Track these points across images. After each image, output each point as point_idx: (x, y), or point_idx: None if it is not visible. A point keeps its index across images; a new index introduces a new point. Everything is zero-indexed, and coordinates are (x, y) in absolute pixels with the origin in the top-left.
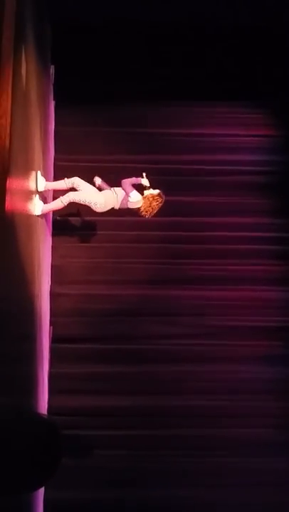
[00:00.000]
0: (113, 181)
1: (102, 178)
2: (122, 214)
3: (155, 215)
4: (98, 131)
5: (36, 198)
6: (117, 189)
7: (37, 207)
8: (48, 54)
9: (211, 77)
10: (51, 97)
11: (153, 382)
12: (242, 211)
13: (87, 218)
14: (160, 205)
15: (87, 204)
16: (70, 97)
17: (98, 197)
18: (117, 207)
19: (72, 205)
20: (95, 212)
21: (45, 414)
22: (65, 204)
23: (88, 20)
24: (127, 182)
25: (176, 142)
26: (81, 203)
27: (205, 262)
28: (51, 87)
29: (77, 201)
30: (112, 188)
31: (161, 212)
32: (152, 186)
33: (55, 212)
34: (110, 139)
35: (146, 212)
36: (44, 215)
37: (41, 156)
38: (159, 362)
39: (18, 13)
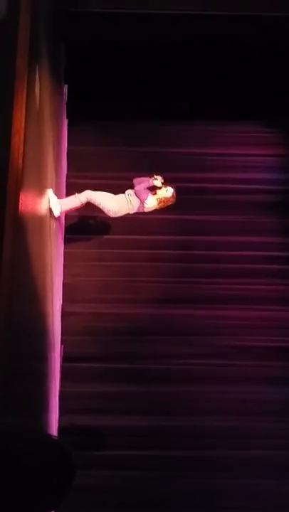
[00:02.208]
0: None
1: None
2: (135, 233)
3: (168, 234)
4: (110, 149)
5: (54, 199)
6: (132, 195)
7: (55, 208)
8: (62, 73)
9: (222, 97)
10: (64, 115)
11: (164, 403)
12: (254, 230)
13: (100, 237)
14: (173, 202)
15: (101, 208)
16: (82, 116)
17: (112, 204)
18: (131, 212)
19: (84, 223)
20: (106, 230)
21: (56, 436)
22: (83, 202)
23: (101, 39)
24: (141, 188)
25: (188, 161)
26: (96, 204)
27: (217, 281)
28: (64, 106)
29: (92, 201)
30: (127, 194)
31: (174, 231)
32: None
33: (68, 228)
34: (122, 157)
35: (159, 208)
36: (56, 234)
37: (54, 173)
38: (170, 382)
39: (33, 33)
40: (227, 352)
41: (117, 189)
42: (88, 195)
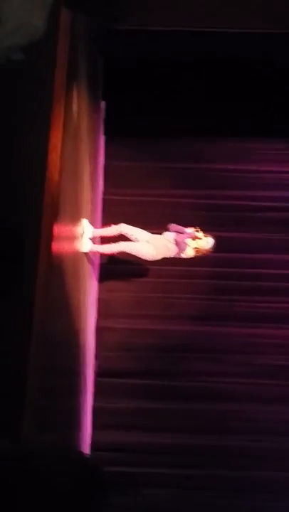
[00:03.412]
0: (161, 216)
1: (150, 213)
2: None
3: None
4: (147, 166)
5: (86, 237)
6: (171, 243)
7: (85, 245)
8: (100, 90)
9: (260, 114)
10: (101, 132)
11: (198, 421)
12: None
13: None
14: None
15: (138, 255)
16: (119, 132)
17: (149, 249)
18: (168, 256)
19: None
20: None
21: (88, 455)
22: (114, 252)
23: (139, 57)
24: (182, 240)
25: (225, 178)
26: (132, 253)
27: (254, 299)
28: (101, 122)
29: (128, 252)
30: (164, 239)
31: None
32: (200, 223)
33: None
34: (159, 173)
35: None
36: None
37: (90, 189)
38: (205, 400)
39: (71, 50)
40: (263, 370)
41: (153, 206)
42: (123, 249)
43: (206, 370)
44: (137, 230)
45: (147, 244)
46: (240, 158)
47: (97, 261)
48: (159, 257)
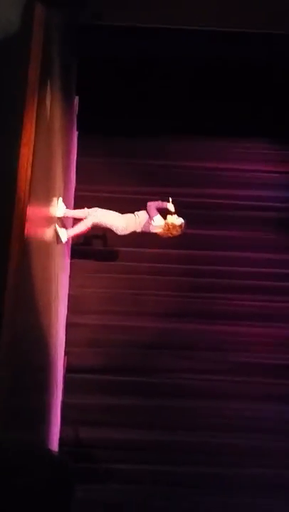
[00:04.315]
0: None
1: (123, 210)
2: (142, 245)
3: (176, 248)
4: (120, 162)
5: (58, 227)
6: (140, 212)
7: (62, 234)
8: (73, 85)
9: (234, 113)
10: (74, 127)
11: (167, 417)
12: (264, 246)
13: (106, 248)
14: (178, 234)
15: (109, 227)
16: (92, 129)
17: (120, 221)
18: (138, 230)
19: (91, 234)
20: (113, 242)
21: (56, 452)
22: (89, 226)
23: (112, 53)
24: (153, 205)
25: (198, 176)
26: (103, 225)
27: (224, 297)
28: (75, 118)
29: (99, 223)
30: (135, 213)
31: (182, 245)
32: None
33: (74, 240)
34: (132, 170)
35: (163, 235)
36: (63, 245)
37: (62, 185)
38: (174, 396)
39: (45, 45)
40: (231, 368)
41: (126, 203)
42: (95, 219)
43: (175, 366)
44: (109, 211)
45: (118, 217)
46: (216, 157)
47: (68, 256)
48: (129, 229)
